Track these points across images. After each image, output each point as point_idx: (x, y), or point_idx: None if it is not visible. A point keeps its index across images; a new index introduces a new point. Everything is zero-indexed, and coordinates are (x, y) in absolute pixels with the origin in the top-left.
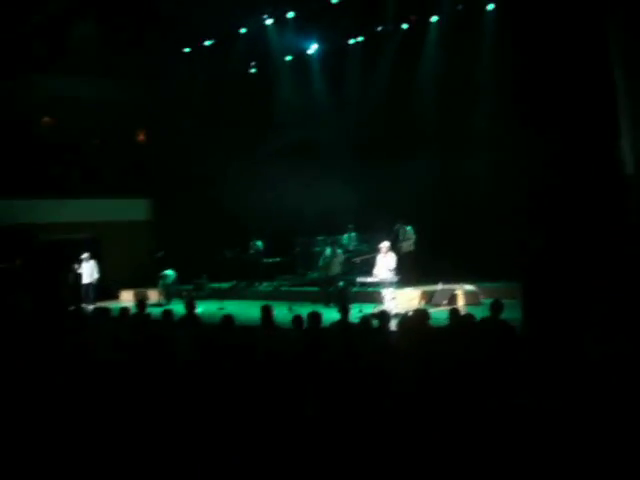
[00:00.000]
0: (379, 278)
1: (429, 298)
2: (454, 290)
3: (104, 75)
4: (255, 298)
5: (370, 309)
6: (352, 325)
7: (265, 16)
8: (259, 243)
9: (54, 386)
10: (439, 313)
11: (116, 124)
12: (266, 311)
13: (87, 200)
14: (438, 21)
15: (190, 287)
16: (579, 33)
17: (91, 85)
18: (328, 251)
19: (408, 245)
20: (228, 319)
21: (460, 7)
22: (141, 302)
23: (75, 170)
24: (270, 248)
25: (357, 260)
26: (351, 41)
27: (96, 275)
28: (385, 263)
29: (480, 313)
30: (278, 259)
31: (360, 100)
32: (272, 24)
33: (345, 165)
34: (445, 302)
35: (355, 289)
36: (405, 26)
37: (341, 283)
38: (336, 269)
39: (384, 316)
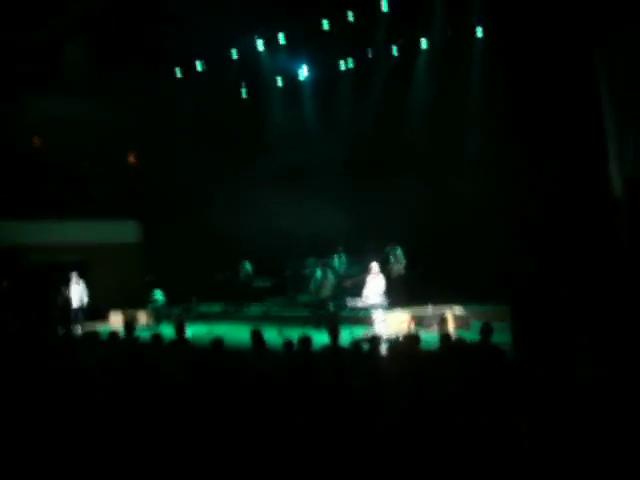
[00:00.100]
0: (369, 303)
1: (419, 321)
2: (444, 313)
3: (95, 97)
4: (245, 321)
5: (360, 332)
6: (343, 349)
7: (256, 39)
8: (248, 266)
9: (38, 407)
10: (429, 336)
11: (107, 146)
12: (256, 335)
13: (77, 222)
14: (428, 46)
15: (179, 310)
16: (566, 59)
17: (82, 107)
18: (319, 274)
19: (398, 269)
20: (218, 342)
21: (449, 34)
22: (129, 325)
23: (65, 192)
24: (260, 271)
25: (348, 284)
26: (342, 66)
27: (85, 299)
28: (374, 285)
29: (470, 336)
30: (268, 282)
31: (351, 124)
32: (263, 48)
33: (336, 188)
34: (435, 325)
35: (345, 312)
36: (395, 52)
37: (331, 306)
38: (327, 292)
39: (375, 340)
